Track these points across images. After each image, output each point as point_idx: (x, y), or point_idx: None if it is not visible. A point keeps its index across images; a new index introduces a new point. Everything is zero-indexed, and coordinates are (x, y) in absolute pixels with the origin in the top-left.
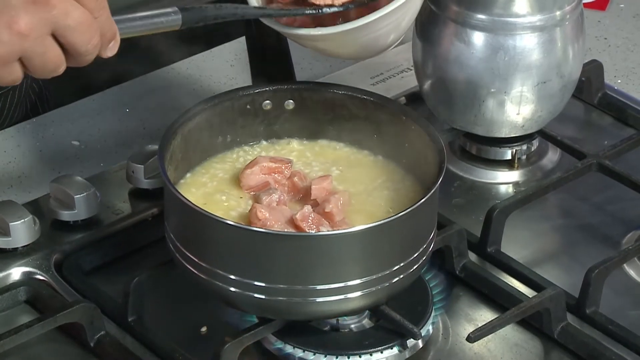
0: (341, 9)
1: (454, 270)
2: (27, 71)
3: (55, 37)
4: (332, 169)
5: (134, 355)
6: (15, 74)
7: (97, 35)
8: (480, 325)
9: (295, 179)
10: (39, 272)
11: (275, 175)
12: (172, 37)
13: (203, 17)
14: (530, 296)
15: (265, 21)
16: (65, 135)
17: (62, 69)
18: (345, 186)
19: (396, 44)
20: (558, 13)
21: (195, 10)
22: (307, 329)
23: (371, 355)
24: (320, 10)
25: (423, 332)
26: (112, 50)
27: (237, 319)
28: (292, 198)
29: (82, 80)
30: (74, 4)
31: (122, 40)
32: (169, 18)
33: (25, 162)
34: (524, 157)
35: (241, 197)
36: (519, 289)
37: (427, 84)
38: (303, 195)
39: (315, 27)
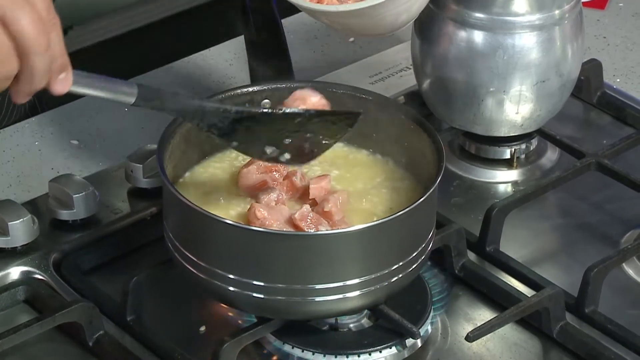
0: None
1: (452, 269)
2: None
3: (5, 27)
4: (331, 168)
5: (132, 355)
6: None
7: (48, 36)
8: (479, 324)
9: (294, 178)
10: (37, 271)
11: (272, 173)
12: (169, 36)
13: (159, 106)
14: (529, 295)
15: None
16: (64, 135)
17: (11, 68)
18: (344, 185)
19: (407, 24)
20: (557, 12)
21: (153, 95)
22: (306, 329)
23: (370, 354)
24: (280, 110)
25: (422, 331)
26: (62, 83)
27: (236, 318)
28: (291, 197)
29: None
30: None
31: (122, 39)
32: (124, 92)
33: (24, 162)
34: (523, 156)
35: (240, 196)
36: (518, 289)
37: (426, 83)
38: (301, 194)
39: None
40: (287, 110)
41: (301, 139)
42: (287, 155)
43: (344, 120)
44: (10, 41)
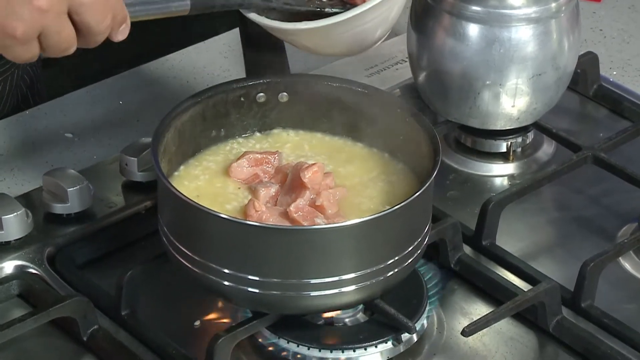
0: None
1: (448, 263)
2: (41, 50)
3: (70, 16)
4: (327, 161)
5: (127, 350)
6: (32, 51)
7: (110, 15)
8: (475, 319)
9: (288, 172)
10: (31, 265)
11: (263, 166)
12: (165, 28)
13: (211, 5)
14: (526, 290)
15: (246, 14)
16: (58, 128)
17: (73, 48)
18: (340, 179)
19: (383, 39)
20: (553, 5)
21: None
22: (301, 323)
23: (365, 349)
24: (323, 10)
25: (418, 326)
26: (122, 33)
27: (231, 313)
28: (286, 193)
29: (74, 72)
30: None
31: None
32: (178, 3)
33: (17, 155)
34: (519, 149)
35: (239, 188)
36: (514, 283)
37: (422, 76)
38: (294, 186)
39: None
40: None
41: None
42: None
43: None
44: (77, 29)
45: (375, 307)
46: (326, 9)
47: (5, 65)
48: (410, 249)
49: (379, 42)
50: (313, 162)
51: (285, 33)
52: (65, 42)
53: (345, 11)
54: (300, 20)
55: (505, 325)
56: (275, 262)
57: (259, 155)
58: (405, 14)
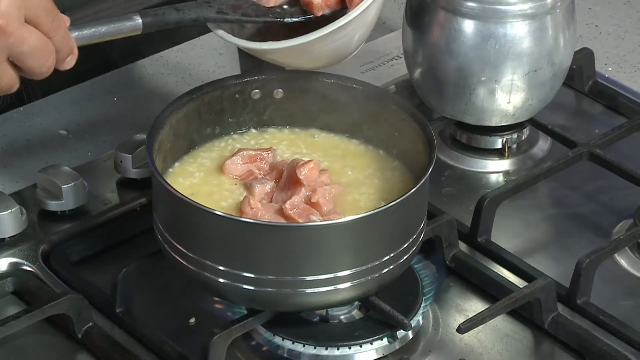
0: (306, 18)
1: (444, 260)
2: None
3: (11, 61)
4: (322, 158)
5: (122, 347)
6: None
7: (52, 56)
8: (470, 315)
9: (283, 169)
10: (26, 262)
11: (257, 163)
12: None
13: (164, 22)
14: (521, 286)
15: (214, 30)
16: (52, 125)
17: (15, 87)
18: (335, 176)
19: (362, 44)
20: (549, 1)
21: (157, 16)
22: (296, 320)
23: (361, 346)
24: (282, 20)
25: (413, 323)
26: (69, 63)
27: (226, 310)
28: (281, 190)
29: (69, 69)
30: (30, 30)
31: None
32: (130, 23)
33: (12, 152)
34: (514, 145)
35: (235, 184)
36: (510, 279)
37: (417, 72)
38: (290, 182)
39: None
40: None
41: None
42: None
43: None
44: (17, 71)
45: (370, 304)
46: (286, 19)
47: None
48: (405, 245)
49: (358, 49)
50: (309, 159)
51: (263, 53)
52: (6, 85)
53: (305, 18)
54: (273, 35)
55: (501, 322)
56: (270, 259)
57: (252, 152)
58: (401, 10)
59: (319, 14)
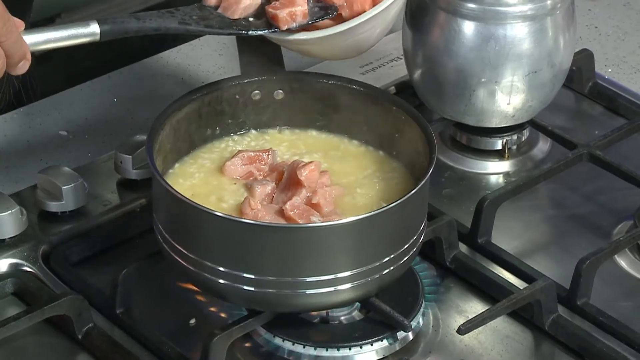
0: (270, 31)
1: (444, 261)
2: None
3: None
4: (322, 159)
5: (122, 348)
6: None
7: (2, 59)
8: (470, 317)
9: (283, 170)
10: (26, 263)
11: (257, 164)
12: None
13: (123, 31)
14: (521, 288)
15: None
16: (52, 125)
17: None
18: (335, 177)
19: (381, 38)
20: (549, 2)
21: (116, 24)
22: (296, 321)
23: (361, 347)
24: (247, 33)
25: (413, 324)
26: (21, 69)
27: (226, 311)
28: (281, 191)
29: (69, 69)
30: None
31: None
32: (86, 31)
33: (12, 153)
34: (514, 147)
35: (234, 184)
36: (510, 281)
37: (417, 74)
38: (290, 184)
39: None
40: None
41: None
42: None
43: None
44: None
45: (371, 305)
46: (250, 32)
47: None
48: (405, 247)
49: (378, 42)
50: (310, 161)
51: (292, 43)
52: None
53: (271, 31)
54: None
55: (501, 323)
56: (270, 260)
57: (252, 154)
58: (401, 11)
59: (284, 27)
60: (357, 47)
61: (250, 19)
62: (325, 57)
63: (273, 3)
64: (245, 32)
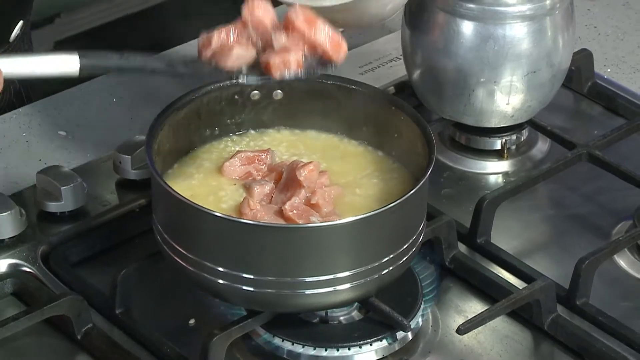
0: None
1: (443, 261)
2: None
3: None
4: (321, 159)
5: (121, 348)
6: None
7: None
8: (470, 317)
9: (282, 170)
10: (25, 264)
11: (256, 164)
12: (159, 26)
13: (104, 68)
14: (521, 287)
15: None
16: (51, 126)
17: None
18: (334, 177)
19: (395, 13)
20: (548, 2)
21: (98, 59)
22: (296, 321)
23: (360, 347)
24: (236, 79)
25: (413, 324)
26: None
27: (225, 311)
28: (280, 191)
29: None
30: None
31: (110, 27)
32: (66, 64)
33: (11, 153)
34: (513, 147)
35: (234, 185)
36: (509, 281)
37: (416, 74)
38: (289, 184)
39: None
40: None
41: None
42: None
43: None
44: None
45: (370, 305)
46: (240, 78)
47: None
48: (405, 247)
49: (392, 16)
50: (309, 161)
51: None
52: None
53: (263, 79)
54: None
55: (500, 323)
56: (270, 260)
57: (250, 154)
58: (400, 11)
59: (277, 76)
60: (380, 13)
61: (242, 70)
62: (350, 24)
63: (267, 51)
64: (235, 79)
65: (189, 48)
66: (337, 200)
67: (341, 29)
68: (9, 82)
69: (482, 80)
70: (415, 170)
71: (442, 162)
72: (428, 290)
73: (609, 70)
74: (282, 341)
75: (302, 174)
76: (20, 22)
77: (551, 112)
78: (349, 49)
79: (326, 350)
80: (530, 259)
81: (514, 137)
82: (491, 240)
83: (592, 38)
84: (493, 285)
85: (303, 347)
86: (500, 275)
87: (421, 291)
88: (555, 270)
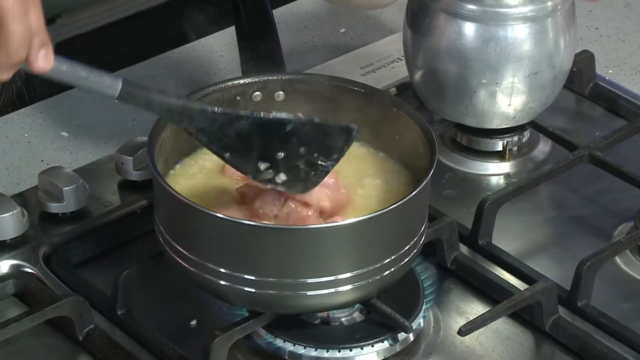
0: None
1: (445, 262)
2: None
3: None
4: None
5: (123, 349)
6: None
7: (24, 6)
8: (471, 318)
9: None
10: (27, 265)
11: None
12: (160, 27)
13: (144, 103)
14: (522, 289)
15: None
16: (53, 127)
17: None
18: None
19: None
20: (550, 3)
21: (138, 90)
22: (297, 323)
23: (362, 348)
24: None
25: (414, 325)
26: (43, 60)
27: (227, 312)
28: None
29: None
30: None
31: (111, 29)
32: (107, 84)
33: (13, 154)
34: (515, 148)
35: (235, 185)
36: (511, 282)
37: (417, 75)
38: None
39: None
40: (276, 115)
41: (294, 153)
42: (282, 177)
43: (337, 133)
44: None
45: (371, 306)
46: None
47: None
48: (406, 248)
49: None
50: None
51: None
52: None
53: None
54: None
55: (502, 325)
56: (271, 261)
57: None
58: (401, 13)
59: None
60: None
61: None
62: (365, 4)
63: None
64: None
65: (190, 49)
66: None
67: (342, 30)
68: (13, 81)
69: (483, 81)
70: (417, 171)
71: (444, 163)
72: (429, 291)
73: (610, 71)
74: (284, 342)
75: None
76: None
77: (553, 114)
78: (350, 50)
79: (327, 351)
80: (531, 261)
81: (515, 138)
82: (492, 242)
83: (593, 39)
84: (494, 287)
85: (304, 348)
86: (502, 276)
87: (422, 292)
88: (557, 271)
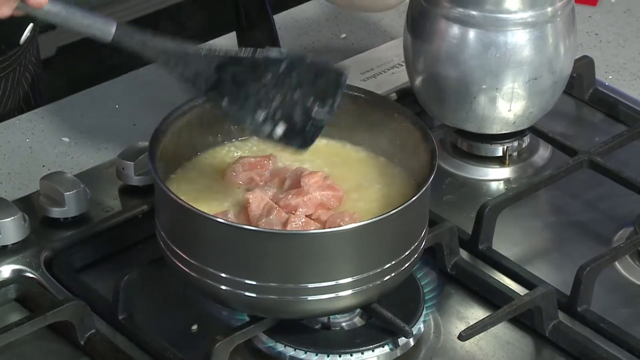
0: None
1: (445, 268)
2: None
3: None
4: (323, 165)
5: (124, 354)
6: None
7: None
8: (471, 323)
9: (286, 175)
10: (28, 269)
11: (258, 169)
12: (160, 33)
13: (139, 47)
14: (522, 294)
15: None
16: (55, 132)
17: None
18: (336, 183)
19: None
20: (549, 9)
21: (133, 33)
22: (298, 328)
23: (362, 353)
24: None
25: (414, 330)
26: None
27: (228, 317)
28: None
29: (70, 75)
30: None
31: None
32: (101, 26)
33: (14, 159)
34: (515, 153)
35: (237, 189)
36: (511, 287)
37: (418, 80)
38: (292, 186)
39: None
40: (270, 52)
41: (290, 98)
42: (280, 130)
43: (329, 76)
44: None
45: (372, 311)
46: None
47: (7, 61)
48: (406, 253)
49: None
50: (314, 171)
51: None
52: None
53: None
54: None
55: (502, 330)
56: (272, 266)
57: (253, 160)
58: (402, 18)
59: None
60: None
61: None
62: (367, 7)
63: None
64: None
65: None
66: (338, 207)
67: (343, 35)
68: (19, 85)
69: (483, 87)
70: (417, 176)
71: (444, 168)
72: (430, 296)
73: (610, 77)
74: (285, 347)
75: (307, 183)
76: (30, 25)
77: (552, 119)
78: (351, 55)
79: (328, 356)
80: (531, 266)
81: (515, 143)
82: (493, 247)
83: (593, 45)
84: (494, 292)
85: (305, 353)
86: (502, 281)
87: (423, 297)
88: (557, 276)
